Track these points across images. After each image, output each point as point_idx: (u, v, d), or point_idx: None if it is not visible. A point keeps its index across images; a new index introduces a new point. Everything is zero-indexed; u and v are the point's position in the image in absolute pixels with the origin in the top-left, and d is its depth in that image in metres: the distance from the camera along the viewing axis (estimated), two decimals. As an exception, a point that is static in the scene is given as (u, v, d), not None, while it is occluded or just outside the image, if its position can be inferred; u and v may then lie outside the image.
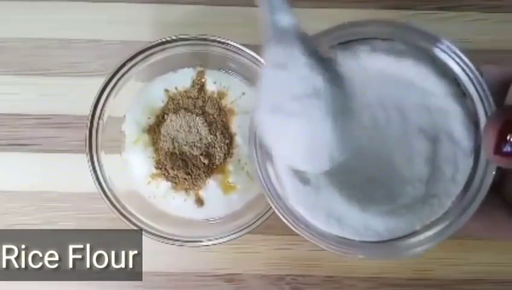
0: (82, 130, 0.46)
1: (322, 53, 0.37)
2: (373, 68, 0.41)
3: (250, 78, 0.49)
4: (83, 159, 0.46)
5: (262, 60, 0.45)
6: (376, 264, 0.50)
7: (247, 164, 0.49)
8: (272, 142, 0.37)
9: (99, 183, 0.46)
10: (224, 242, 0.45)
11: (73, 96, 0.51)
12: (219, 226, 0.48)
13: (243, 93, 0.49)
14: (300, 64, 0.36)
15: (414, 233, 0.41)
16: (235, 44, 0.46)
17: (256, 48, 0.46)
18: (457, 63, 0.39)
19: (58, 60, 0.52)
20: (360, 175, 0.42)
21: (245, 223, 0.45)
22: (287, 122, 0.36)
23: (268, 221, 0.45)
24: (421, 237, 0.41)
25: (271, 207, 0.44)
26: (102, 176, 0.46)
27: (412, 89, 0.41)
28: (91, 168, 0.46)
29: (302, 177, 0.41)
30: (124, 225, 0.46)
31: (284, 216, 0.41)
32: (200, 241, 0.46)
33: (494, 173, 0.38)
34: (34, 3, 0.52)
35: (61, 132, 0.51)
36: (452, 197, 0.40)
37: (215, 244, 0.45)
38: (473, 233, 0.41)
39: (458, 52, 0.39)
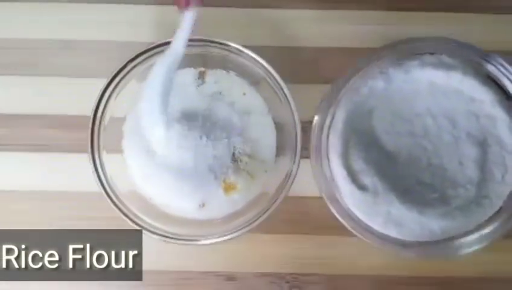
0: (83, 130, 0.46)
1: None
2: (423, 80, 0.44)
3: (250, 78, 0.49)
4: (84, 159, 0.46)
5: (262, 61, 0.45)
6: (376, 263, 0.50)
7: (248, 163, 0.49)
8: None
9: (101, 183, 0.46)
10: (224, 241, 0.45)
11: (74, 96, 0.51)
12: (220, 225, 0.48)
13: (244, 94, 0.50)
14: None
15: (467, 233, 0.43)
16: (235, 45, 0.46)
17: (257, 49, 0.46)
18: (504, 74, 0.44)
19: (58, 60, 0.52)
20: (414, 180, 0.45)
21: (245, 222, 0.46)
22: None
23: (269, 220, 0.45)
24: (475, 236, 0.43)
25: (271, 206, 0.45)
26: (104, 175, 0.46)
27: (460, 99, 0.44)
28: (93, 168, 0.46)
29: (359, 183, 0.43)
30: (124, 224, 0.46)
31: (342, 218, 0.44)
32: (201, 240, 0.46)
33: None
34: (34, 4, 0.52)
35: (62, 132, 0.51)
36: (503, 197, 0.43)
37: (216, 243, 0.45)
38: None
39: (505, 64, 0.44)
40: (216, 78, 0.50)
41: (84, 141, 0.46)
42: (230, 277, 0.50)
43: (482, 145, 0.45)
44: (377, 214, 0.44)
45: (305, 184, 0.49)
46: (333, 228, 0.50)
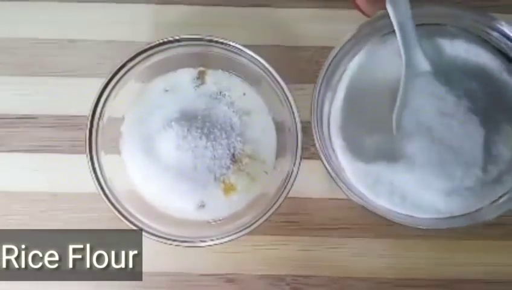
0: (82, 131, 0.46)
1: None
2: (428, 50, 0.44)
3: (250, 78, 0.49)
4: (83, 159, 0.46)
5: (262, 60, 0.45)
6: (376, 264, 0.50)
7: (248, 164, 0.49)
8: None
9: (99, 184, 0.46)
10: (224, 242, 0.45)
11: (73, 96, 0.51)
12: (219, 226, 0.48)
13: (244, 94, 0.49)
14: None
15: (476, 211, 0.43)
16: (235, 44, 0.46)
17: (257, 49, 0.46)
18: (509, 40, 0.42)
19: (58, 60, 0.52)
20: (419, 156, 0.43)
21: (245, 224, 0.45)
22: None
23: (269, 221, 0.45)
24: (481, 213, 0.43)
25: (271, 207, 0.45)
26: (102, 176, 0.46)
27: (466, 68, 0.43)
28: (91, 168, 0.46)
29: (361, 157, 0.43)
30: (124, 225, 0.46)
31: (348, 193, 0.43)
32: (200, 242, 0.46)
33: None
34: (34, 4, 0.52)
35: (61, 132, 0.51)
36: None
37: (215, 244, 0.45)
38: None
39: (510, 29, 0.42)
40: (216, 78, 0.49)
41: (83, 141, 0.46)
42: (229, 279, 0.50)
43: (494, 118, 0.44)
44: (380, 189, 0.43)
45: (306, 185, 0.49)
46: (334, 229, 0.50)
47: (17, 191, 0.51)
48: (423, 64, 0.43)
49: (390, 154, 0.44)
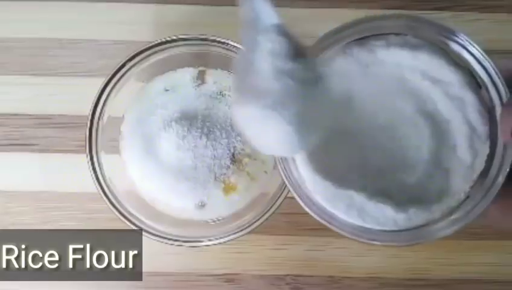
0: (82, 130, 0.46)
1: (304, 52, 0.38)
2: (388, 61, 0.42)
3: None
4: (83, 159, 0.46)
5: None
6: (376, 264, 0.50)
7: (248, 164, 0.49)
8: (248, 132, 0.37)
9: (99, 183, 0.46)
10: (224, 242, 0.45)
11: (73, 96, 0.51)
12: (219, 226, 0.48)
13: (243, 94, 0.49)
14: (278, 61, 0.36)
15: (433, 221, 0.42)
16: (235, 44, 0.46)
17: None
18: (472, 54, 0.41)
19: (58, 60, 0.52)
20: (375, 166, 0.43)
21: (245, 223, 0.45)
22: (260, 116, 0.36)
23: (269, 221, 0.45)
24: (441, 224, 0.42)
25: (271, 207, 0.45)
26: (102, 176, 0.46)
27: (427, 80, 0.42)
28: (91, 168, 0.45)
29: (320, 171, 0.42)
30: (124, 225, 0.46)
31: (306, 205, 0.42)
32: (200, 242, 0.45)
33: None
34: (33, 3, 0.52)
35: (61, 131, 0.51)
36: (470, 184, 0.42)
37: (215, 244, 0.45)
38: (492, 222, 0.41)
39: (472, 43, 0.41)
40: (216, 78, 0.49)
41: (83, 141, 0.46)
42: (229, 279, 0.50)
43: (451, 131, 0.43)
44: (339, 201, 0.43)
45: (306, 185, 0.49)
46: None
47: (18, 191, 0.51)
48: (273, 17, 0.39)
49: (348, 166, 0.44)
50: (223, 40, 0.46)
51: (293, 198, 0.48)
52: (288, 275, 0.50)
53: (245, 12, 0.37)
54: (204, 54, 0.47)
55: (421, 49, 0.42)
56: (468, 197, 0.42)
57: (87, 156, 0.45)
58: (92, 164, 0.46)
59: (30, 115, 0.51)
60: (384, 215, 0.41)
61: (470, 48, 0.41)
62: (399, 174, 0.42)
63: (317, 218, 0.42)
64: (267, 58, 0.36)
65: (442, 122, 0.43)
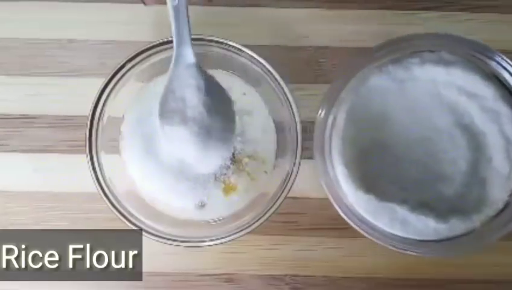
0: (82, 130, 0.46)
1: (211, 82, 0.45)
2: (423, 78, 0.44)
3: (250, 78, 0.49)
4: (83, 159, 0.46)
5: (262, 60, 0.45)
6: (376, 265, 0.50)
7: (248, 164, 0.49)
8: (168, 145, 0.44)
9: (99, 184, 0.46)
10: (224, 242, 0.45)
11: (74, 96, 0.51)
12: (219, 226, 0.48)
13: (244, 94, 0.49)
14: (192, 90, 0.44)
15: (474, 230, 0.43)
16: (234, 44, 0.46)
17: (257, 48, 0.46)
18: (505, 68, 0.43)
19: (57, 60, 0.51)
20: (416, 179, 0.45)
21: (245, 224, 0.45)
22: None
23: (268, 221, 0.45)
24: (481, 233, 0.43)
25: (271, 207, 0.45)
26: (102, 176, 0.46)
27: (463, 95, 0.44)
28: (91, 168, 0.46)
29: (362, 183, 0.43)
30: (124, 225, 0.46)
31: (349, 218, 0.44)
32: (200, 242, 0.46)
33: None
34: (33, 3, 0.52)
35: (61, 132, 0.51)
36: (508, 193, 0.44)
37: (215, 244, 0.45)
38: None
39: (505, 58, 0.43)
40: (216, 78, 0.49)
41: (83, 141, 0.46)
42: (229, 279, 0.50)
43: (487, 142, 0.45)
44: (382, 214, 0.44)
45: (305, 185, 0.49)
46: (333, 229, 0.50)
47: (17, 191, 0.51)
48: (190, 56, 0.44)
49: (388, 180, 0.45)
50: (221, 40, 0.46)
51: (292, 198, 0.49)
52: (287, 275, 0.50)
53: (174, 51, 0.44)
54: (204, 54, 0.47)
55: (456, 65, 0.44)
56: (506, 206, 0.43)
57: (87, 156, 0.45)
58: (92, 164, 0.46)
59: (30, 115, 0.51)
60: (426, 226, 0.43)
61: (504, 62, 0.43)
62: (438, 186, 0.45)
63: (360, 230, 0.44)
64: (187, 90, 0.43)
65: (478, 135, 0.44)
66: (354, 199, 0.44)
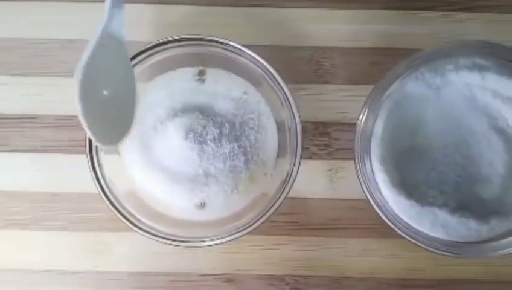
0: (82, 130, 0.46)
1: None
2: (459, 84, 0.45)
3: (250, 78, 0.49)
4: (83, 159, 0.46)
5: (262, 60, 0.45)
6: (376, 264, 0.50)
7: (248, 164, 0.48)
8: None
9: (99, 184, 0.46)
10: (224, 242, 0.45)
11: (73, 96, 0.51)
12: (219, 226, 0.48)
13: (244, 93, 0.49)
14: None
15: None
16: (234, 44, 0.46)
17: (256, 49, 0.46)
18: None
19: (58, 60, 0.51)
20: (455, 184, 0.46)
21: (245, 224, 0.45)
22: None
23: (268, 221, 0.45)
24: None
25: (271, 208, 0.45)
26: (102, 176, 0.46)
27: (498, 99, 0.45)
28: (91, 168, 0.45)
29: (402, 189, 0.45)
30: (124, 225, 0.46)
31: (392, 223, 0.44)
32: (200, 242, 0.45)
33: None
34: (33, 4, 0.52)
35: (61, 132, 0.51)
36: None
37: (215, 244, 0.45)
38: None
39: None
40: (216, 78, 0.49)
41: (83, 141, 0.46)
42: (229, 279, 0.50)
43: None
44: (423, 218, 0.45)
45: (305, 185, 0.49)
46: (333, 229, 0.50)
47: (17, 191, 0.51)
48: (121, 31, 0.43)
49: (427, 184, 0.46)
50: (221, 40, 0.46)
51: (293, 198, 0.49)
52: (287, 275, 0.50)
53: None
54: (204, 54, 0.47)
55: (490, 69, 0.45)
56: None
57: (87, 156, 0.45)
58: (92, 164, 0.46)
59: (30, 115, 0.51)
60: (467, 228, 0.44)
61: None
62: (476, 188, 0.45)
63: (404, 235, 0.44)
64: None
65: None
66: (395, 205, 0.45)
